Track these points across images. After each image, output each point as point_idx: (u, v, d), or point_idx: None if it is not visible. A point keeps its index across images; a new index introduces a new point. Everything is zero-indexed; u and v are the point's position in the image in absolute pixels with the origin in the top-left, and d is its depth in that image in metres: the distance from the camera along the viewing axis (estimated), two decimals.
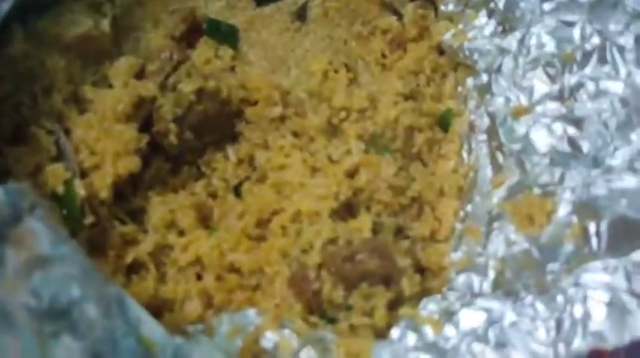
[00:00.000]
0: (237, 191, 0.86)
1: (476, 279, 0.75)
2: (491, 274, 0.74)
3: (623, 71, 0.80)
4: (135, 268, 0.81)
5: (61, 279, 0.52)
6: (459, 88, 0.92)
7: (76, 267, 0.53)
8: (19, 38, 0.83)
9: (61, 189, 0.78)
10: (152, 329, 0.59)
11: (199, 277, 0.80)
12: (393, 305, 0.74)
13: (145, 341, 0.58)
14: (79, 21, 0.87)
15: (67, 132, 0.84)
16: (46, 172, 0.79)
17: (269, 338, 0.71)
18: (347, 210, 0.83)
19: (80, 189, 0.79)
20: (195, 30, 0.93)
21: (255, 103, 0.89)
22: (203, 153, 0.88)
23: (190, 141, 0.85)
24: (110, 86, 0.87)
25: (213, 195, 0.86)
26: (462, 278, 0.76)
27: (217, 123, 0.87)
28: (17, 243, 0.47)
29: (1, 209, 0.46)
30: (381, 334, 0.72)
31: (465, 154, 0.87)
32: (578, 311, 0.65)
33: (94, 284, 0.54)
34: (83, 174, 0.82)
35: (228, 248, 0.80)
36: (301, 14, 0.98)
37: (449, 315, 0.70)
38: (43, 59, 0.85)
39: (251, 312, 0.73)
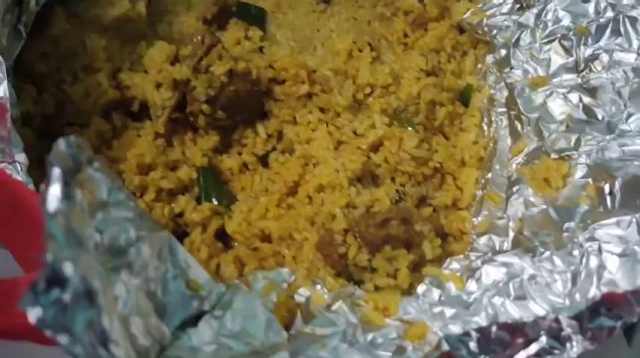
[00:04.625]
0: (264, 163, 0.89)
1: (497, 240, 0.78)
2: (511, 234, 0.77)
3: (635, 42, 0.83)
4: None
5: (119, 221, 0.57)
6: (479, 65, 0.95)
7: (131, 211, 0.58)
8: (61, 19, 0.87)
9: None
10: (199, 273, 0.63)
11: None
12: (416, 267, 0.77)
13: (192, 284, 0.62)
14: (116, 3, 0.89)
15: None
16: None
17: (302, 294, 0.74)
18: (373, 181, 0.86)
19: None
20: (226, 12, 0.97)
21: (284, 82, 0.92)
22: (234, 131, 0.90)
23: (222, 119, 0.88)
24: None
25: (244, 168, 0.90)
26: (483, 240, 0.79)
27: (248, 103, 0.89)
28: (80, 187, 0.51)
29: (64, 159, 0.50)
30: (406, 293, 0.75)
31: (485, 126, 0.90)
32: (593, 262, 0.68)
33: (147, 228, 0.59)
34: None
35: (257, 216, 0.83)
36: None
37: (471, 272, 0.73)
38: (83, 39, 0.88)
39: (284, 271, 0.76)
